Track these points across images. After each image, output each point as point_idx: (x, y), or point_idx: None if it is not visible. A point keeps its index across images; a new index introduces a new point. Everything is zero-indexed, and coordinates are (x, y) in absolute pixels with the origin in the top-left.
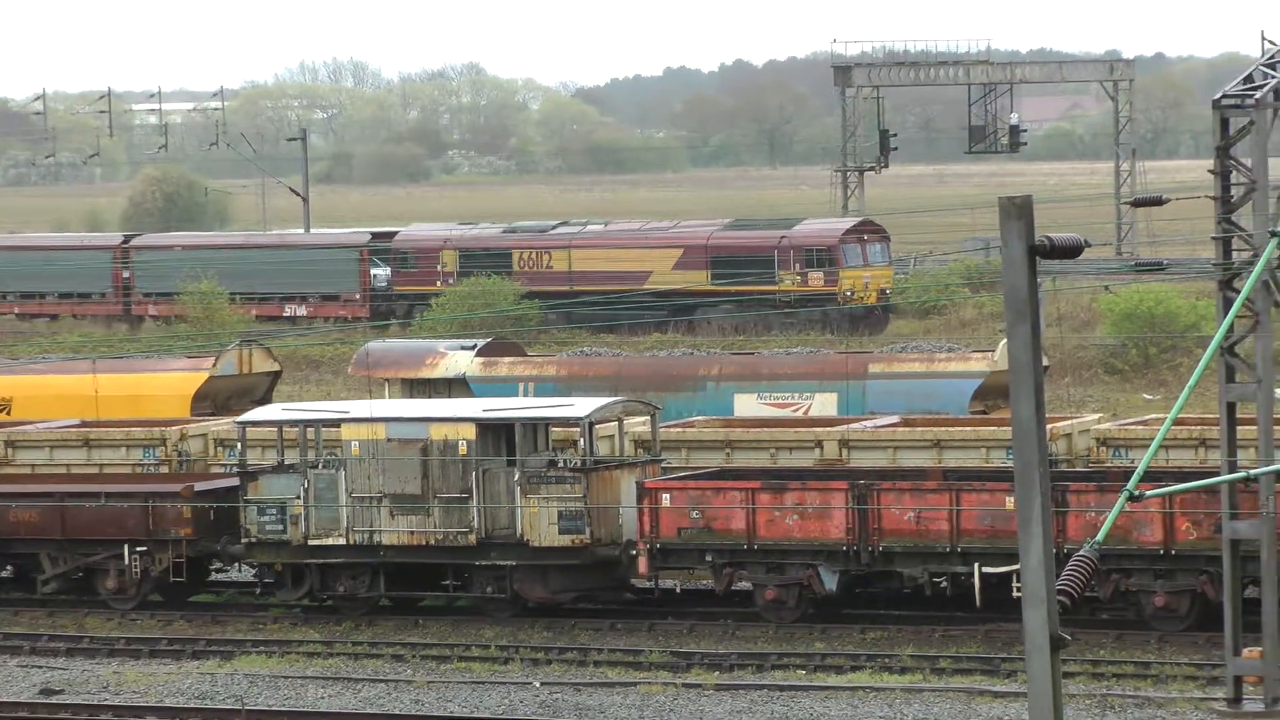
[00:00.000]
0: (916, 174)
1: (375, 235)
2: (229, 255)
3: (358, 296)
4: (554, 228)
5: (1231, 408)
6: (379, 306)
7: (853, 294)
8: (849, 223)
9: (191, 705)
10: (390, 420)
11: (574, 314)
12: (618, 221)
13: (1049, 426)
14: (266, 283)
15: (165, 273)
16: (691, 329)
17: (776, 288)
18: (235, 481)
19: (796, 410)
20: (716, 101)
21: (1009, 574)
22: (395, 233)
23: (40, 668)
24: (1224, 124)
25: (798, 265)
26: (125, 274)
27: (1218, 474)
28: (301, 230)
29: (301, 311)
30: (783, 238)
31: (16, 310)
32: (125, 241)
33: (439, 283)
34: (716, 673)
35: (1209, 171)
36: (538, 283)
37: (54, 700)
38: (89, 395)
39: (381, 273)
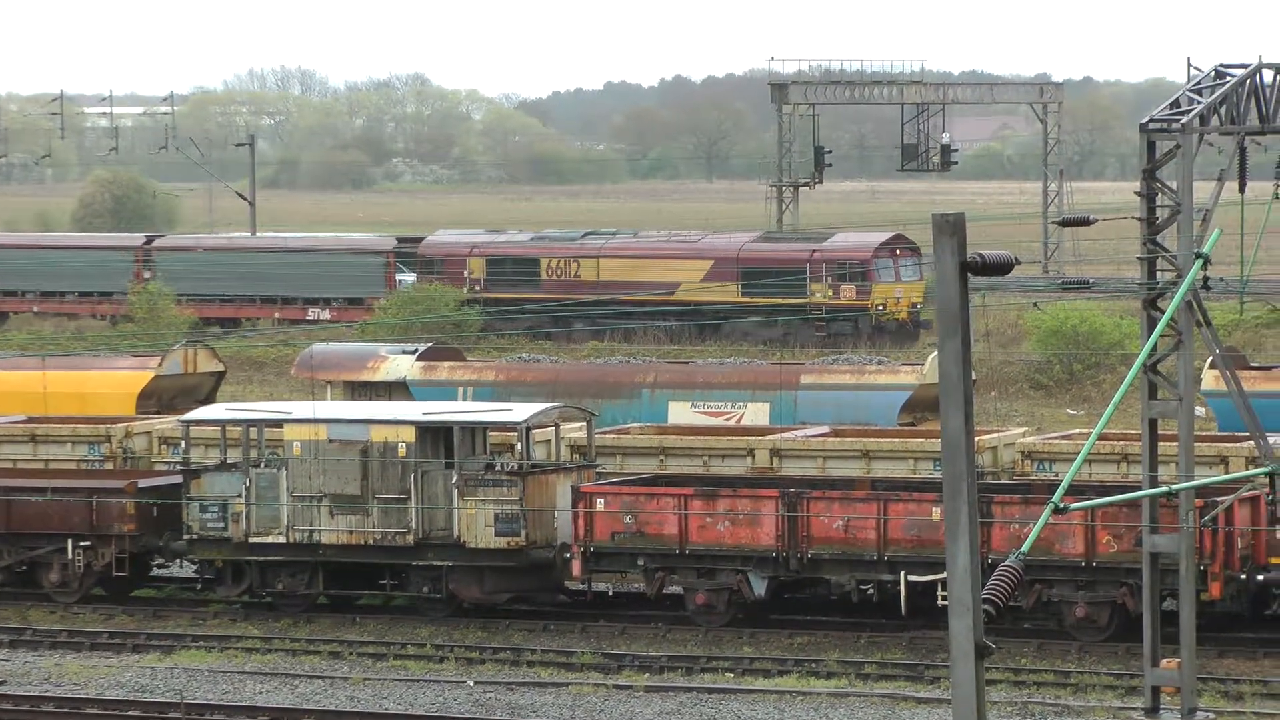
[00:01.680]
0: (850, 190)
1: (401, 240)
2: (252, 257)
3: (382, 301)
4: (583, 236)
5: (1153, 424)
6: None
7: (885, 308)
8: (882, 236)
9: (131, 698)
10: (331, 422)
11: (602, 323)
12: (646, 231)
13: (976, 439)
14: (289, 286)
15: (187, 274)
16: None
17: (808, 301)
18: (178, 479)
19: (729, 419)
20: (656, 116)
21: (934, 582)
22: (421, 238)
23: None
24: (1150, 148)
25: (830, 279)
26: (147, 274)
27: (1139, 488)
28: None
29: (325, 315)
30: (815, 251)
31: (35, 309)
32: (148, 242)
33: (465, 289)
34: (647, 675)
35: (1135, 194)
36: (566, 291)
37: None
38: (38, 392)
39: (407, 278)
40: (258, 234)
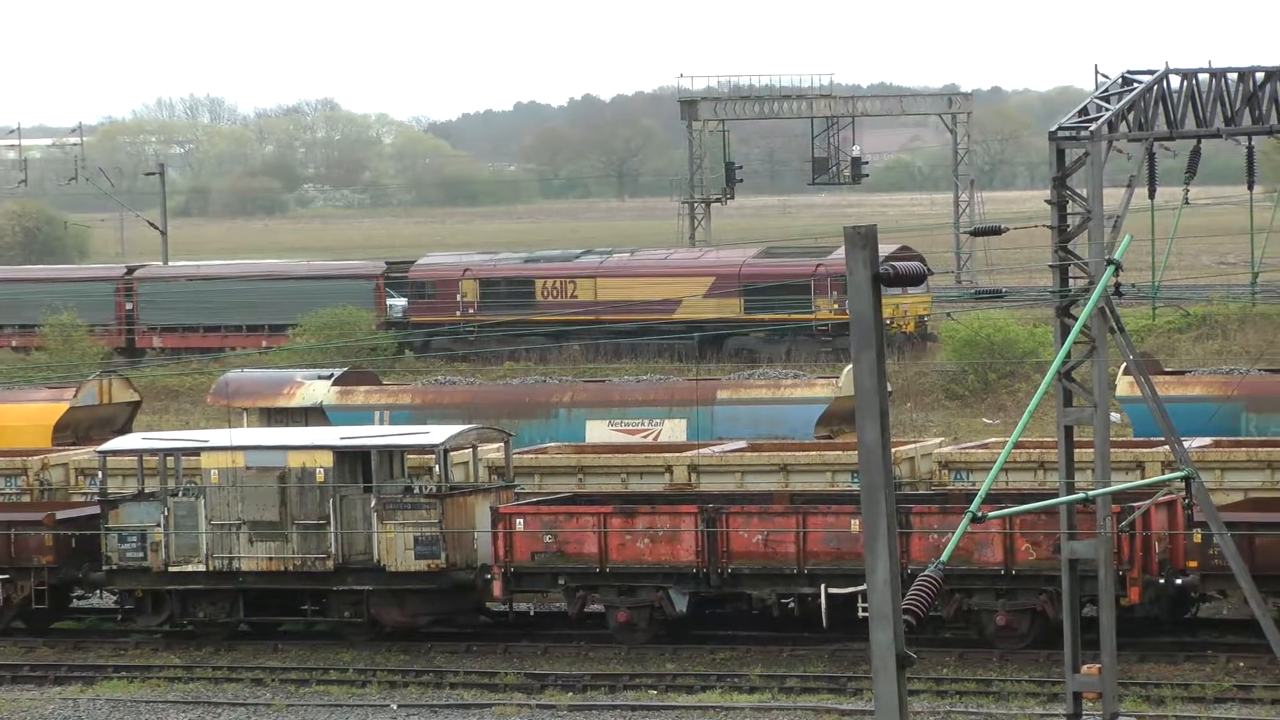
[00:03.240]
0: (761, 204)
1: (391, 264)
2: (236, 286)
3: (374, 327)
4: (578, 256)
5: (1069, 431)
6: (395, 337)
7: (892, 322)
8: (887, 249)
9: None
10: (249, 448)
11: (601, 344)
12: (644, 250)
13: (893, 450)
14: (276, 314)
15: (169, 304)
16: (541, 357)
17: (813, 316)
18: (96, 510)
19: (647, 436)
20: (566, 135)
21: (855, 594)
22: (411, 262)
23: None
24: (1060, 155)
25: (834, 293)
26: (129, 306)
27: (1056, 496)
28: (296, 260)
29: (314, 342)
30: (818, 265)
31: (14, 343)
32: (129, 272)
33: (459, 313)
34: (570, 694)
35: (1046, 202)
36: (562, 312)
37: None
38: None
39: (397, 303)
40: (244, 260)
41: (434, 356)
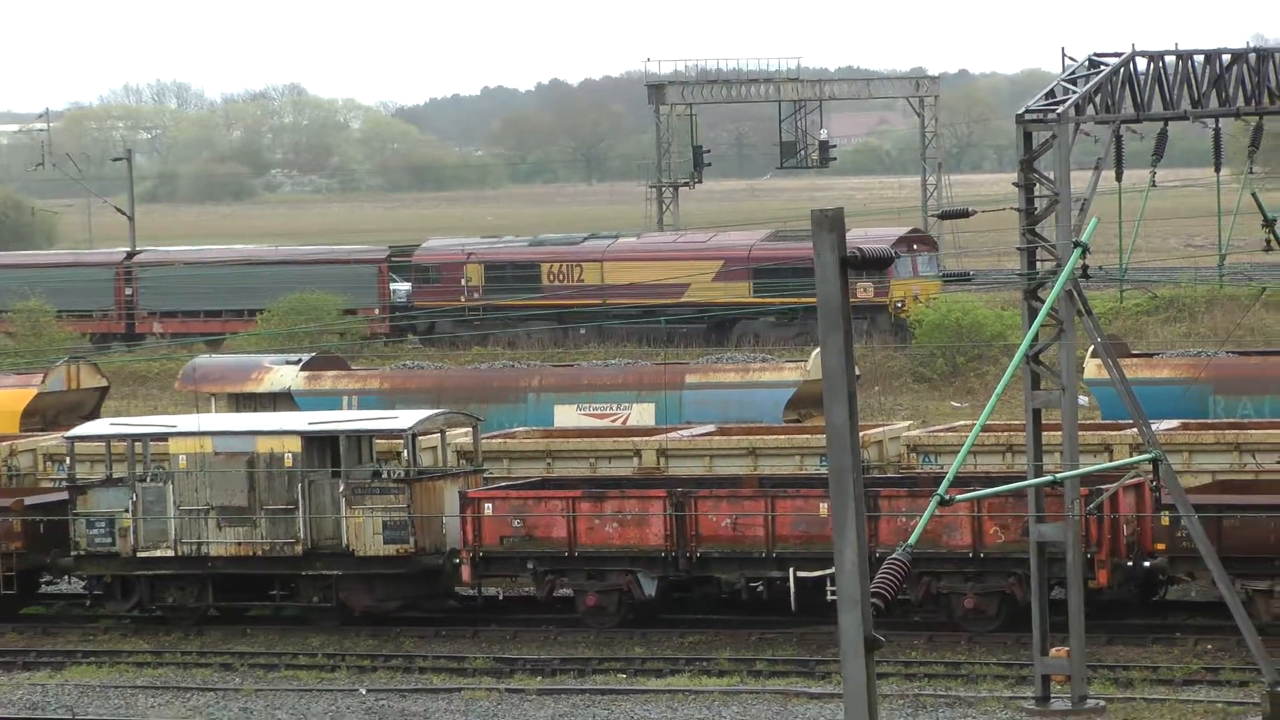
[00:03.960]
0: (729, 189)
1: (394, 249)
2: (235, 271)
3: (377, 312)
4: (584, 240)
5: (1037, 414)
6: (398, 321)
7: (903, 305)
8: (898, 232)
9: (23, 716)
10: (217, 434)
11: (607, 328)
12: (650, 234)
13: (861, 434)
14: (275, 299)
15: (169, 289)
16: (510, 343)
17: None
18: (65, 496)
19: (615, 420)
20: (534, 120)
21: (823, 578)
22: (414, 246)
23: None
24: (1027, 138)
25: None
26: (129, 291)
27: (1024, 479)
28: (310, 246)
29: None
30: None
31: (8, 330)
32: (128, 258)
33: (463, 297)
34: (539, 678)
35: (1013, 185)
36: (568, 296)
37: None
38: None
39: (401, 287)
40: (245, 245)
41: (439, 339)
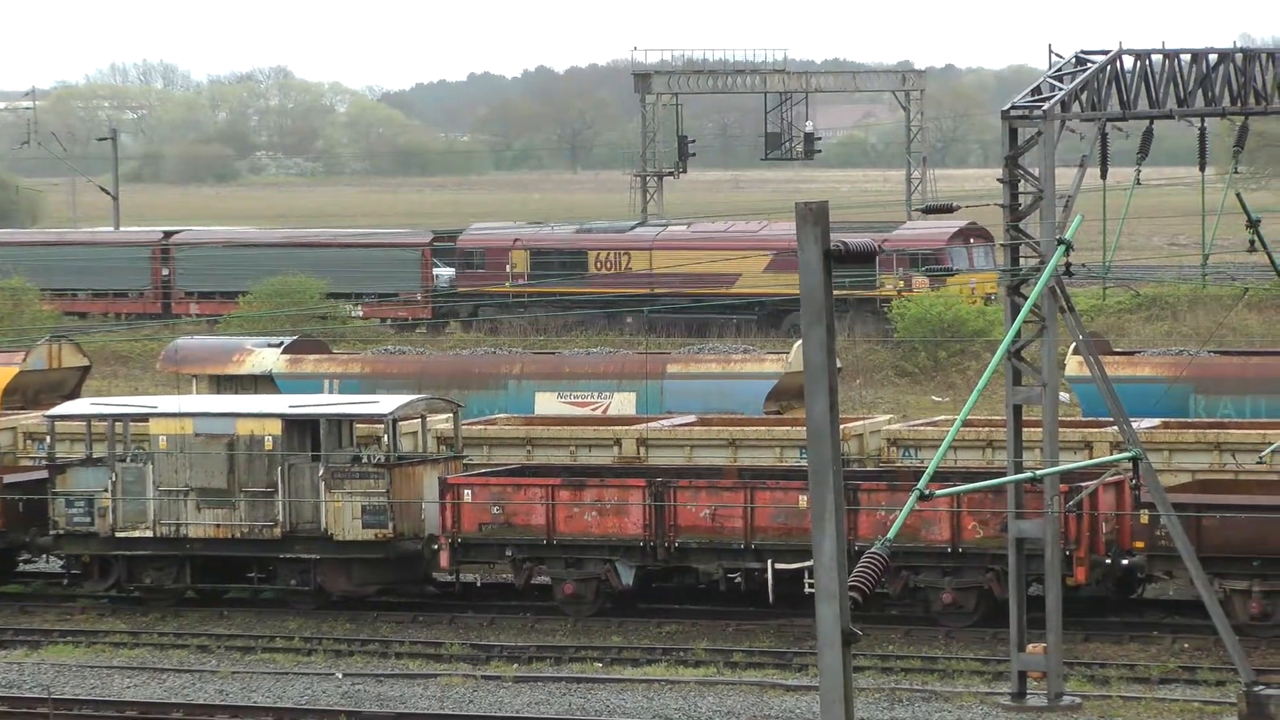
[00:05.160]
0: (714, 179)
1: (437, 234)
2: (275, 253)
3: (419, 297)
4: (633, 228)
5: (1018, 410)
6: (440, 307)
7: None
8: (955, 225)
9: None
10: (197, 415)
11: (655, 318)
12: (700, 222)
13: (841, 427)
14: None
15: (207, 270)
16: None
17: (878, 292)
18: (44, 474)
19: (596, 409)
20: (519, 106)
21: (801, 570)
22: (458, 232)
23: None
24: (1013, 134)
25: (900, 268)
26: (165, 271)
27: (1004, 474)
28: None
29: (356, 313)
30: (884, 240)
31: (43, 308)
32: (166, 237)
33: (508, 283)
34: (515, 665)
35: (998, 180)
36: (615, 285)
37: None
38: None
39: (444, 272)
40: (287, 230)
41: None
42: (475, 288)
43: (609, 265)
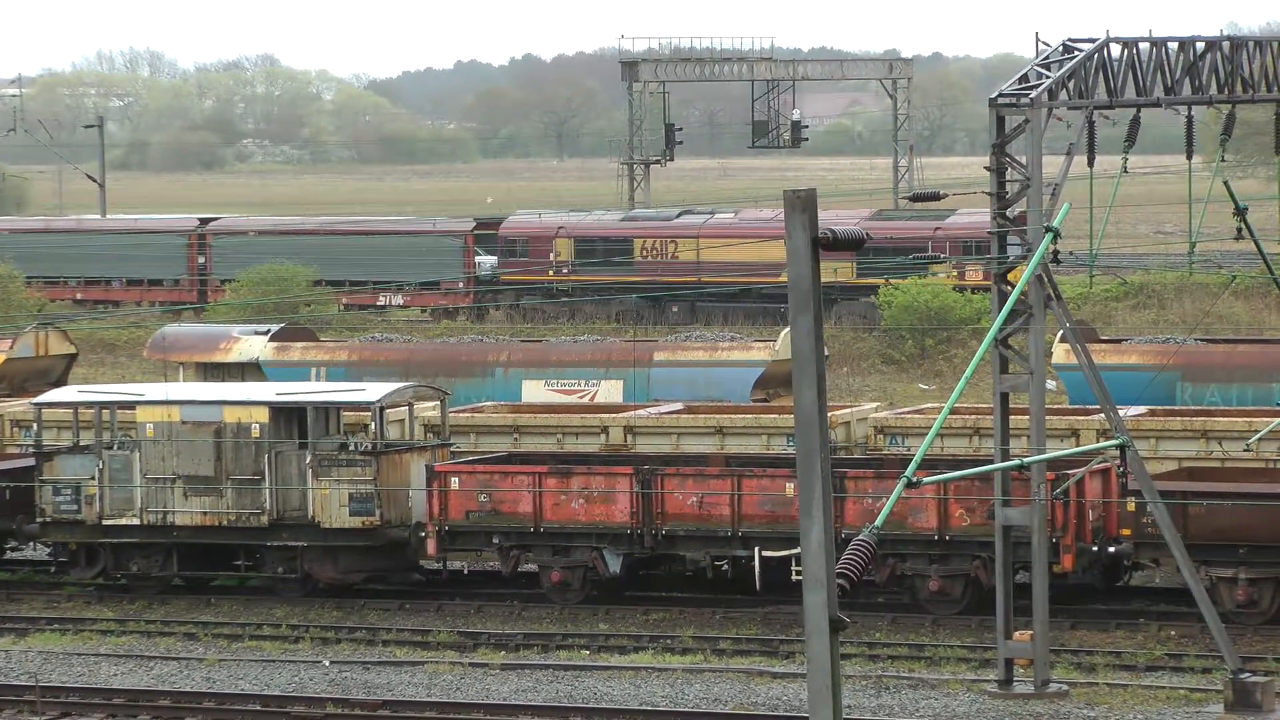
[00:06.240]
0: (701, 167)
1: (479, 222)
2: (313, 241)
3: (461, 285)
4: (678, 215)
5: (1005, 398)
6: (483, 295)
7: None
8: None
9: None
10: (184, 403)
11: (700, 307)
12: (747, 210)
13: (829, 414)
14: (357, 270)
15: (243, 258)
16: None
17: (930, 281)
18: (31, 462)
19: (583, 396)
20: (506, 94)
21: (788, 558)
22: (500, 219)
23: None
24: (1000, 122)
25: (954, 256)
26: (201, 259)
27: (991, 462)
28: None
29: (397, 301)
30: (937, 229)
31: (79, 295)
32: (202, 225)
33: (551, 272)
34: (503, 652)
35: (985, 168)
36: (661, 273)
37: None
38: None
39: (486, 260)
40: (326, 216)
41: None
42: (518, 276)
43: (655, 253)
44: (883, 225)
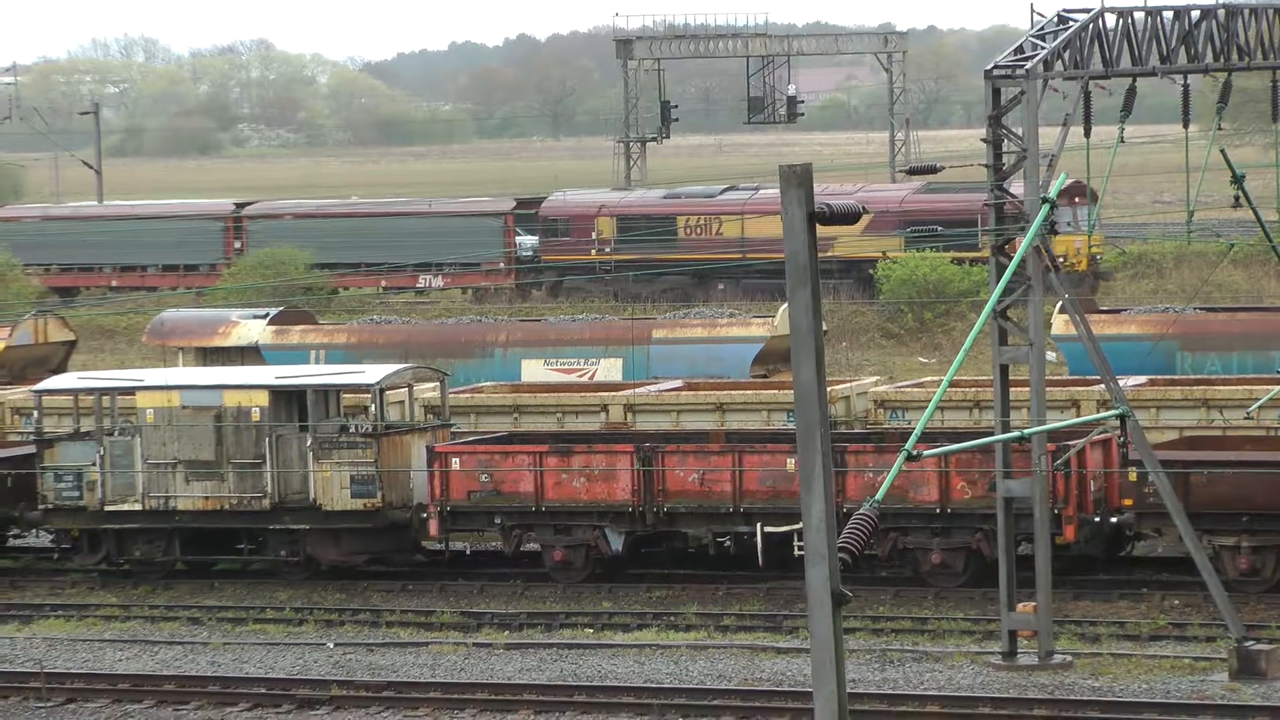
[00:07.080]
0: (697, 144)
1: (520, 201)
2: (350, 224)
3: (501, 266)
4: (722, 192)
5: (1005, 370)
6: (524, 275)
7: (1065, 259)
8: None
9: None
10: (184, 388)
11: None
12: None
13: (829, 389)
14: (395, 253)
15: (280, 242)
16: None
17: (978, 255)
18: (32, 449)
19: (582, 375)
20: (501, 75)
21: (790, 533)
22: (541, 199)
23: None
24: (996, 94)
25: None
26: (238, 244)
27: (992, 434)
28: (426, 199)
29: (437, 283)
30: (986, 201)
31: (114, 282)
32: (238, 209)
33: (594, 251)
34: (506, 632)
35: (981, 140)
36: (706, 250)
37: None
38: None
39: (527, 240)
40: (356, 199)
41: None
42: (560, 256)
43: (699, 230)
44: (931, 198)
